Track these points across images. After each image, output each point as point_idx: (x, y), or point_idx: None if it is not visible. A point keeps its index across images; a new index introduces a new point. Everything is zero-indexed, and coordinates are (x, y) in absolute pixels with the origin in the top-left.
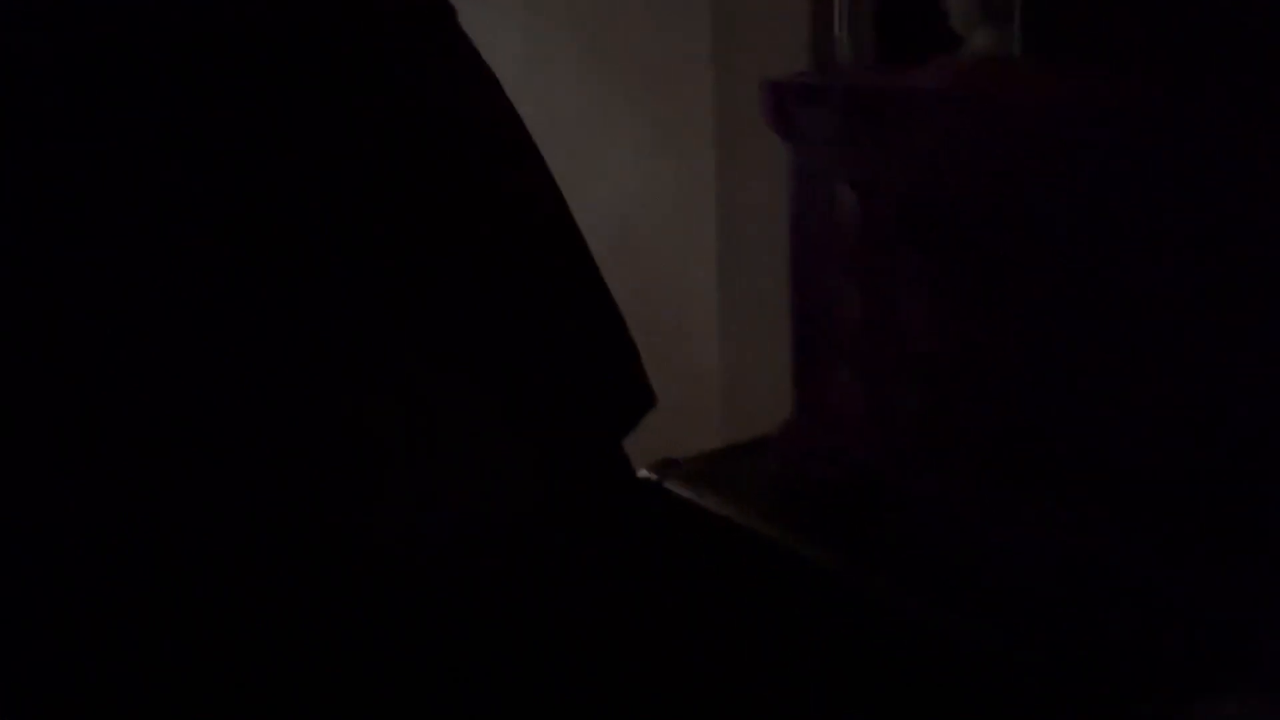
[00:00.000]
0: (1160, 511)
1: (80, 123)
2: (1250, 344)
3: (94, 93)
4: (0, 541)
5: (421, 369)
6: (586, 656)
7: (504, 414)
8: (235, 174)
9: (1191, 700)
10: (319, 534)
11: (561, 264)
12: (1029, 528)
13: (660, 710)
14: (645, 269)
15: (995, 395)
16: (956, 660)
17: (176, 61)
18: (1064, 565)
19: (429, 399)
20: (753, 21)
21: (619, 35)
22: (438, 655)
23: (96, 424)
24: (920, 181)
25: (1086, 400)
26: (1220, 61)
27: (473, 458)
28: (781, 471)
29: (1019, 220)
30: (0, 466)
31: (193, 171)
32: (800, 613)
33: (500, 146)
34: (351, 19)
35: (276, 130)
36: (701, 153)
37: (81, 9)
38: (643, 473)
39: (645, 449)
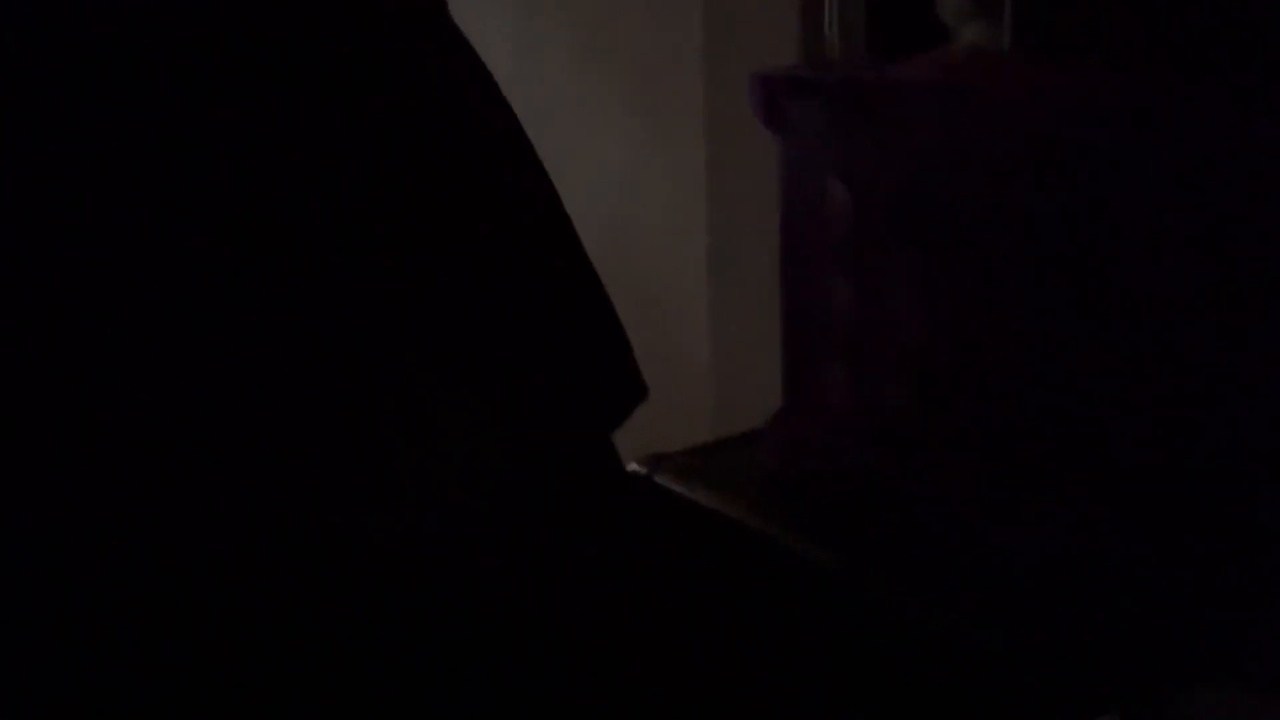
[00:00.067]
0: (1154, 506)
1: (80, 123)
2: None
3: (93, 92)
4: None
5: (420, 367)
6: (577, 651)
7: (498, 410)
8: (233, 173)
9: (1181, 692)
10: (318, 533)
11: (557, 262)
12: (1020, 523)
13: (651, 704)
14: (635, 263)
15: (987, 389)
16: (947, 655)
17: (174, 61)
18: (1057, 561)
19: (427, 397)
20: (743, 15)
21: (610, 27)
22: (434, 653)
23: (96, 424)
24: (911, 174)
25: (1078, 393)
26: (1211, 54)
27: (470, 455)
28: (772, 466)
29: (1011, 213)
30: (0, 466)
31: (190, 171)
32: (792, 607)
33: (497, 145)
34: (350, 18)
35: (275, 130)
36: (692, 146)
37: (81, 9)
38: (633, 467)
39: (635, 443)
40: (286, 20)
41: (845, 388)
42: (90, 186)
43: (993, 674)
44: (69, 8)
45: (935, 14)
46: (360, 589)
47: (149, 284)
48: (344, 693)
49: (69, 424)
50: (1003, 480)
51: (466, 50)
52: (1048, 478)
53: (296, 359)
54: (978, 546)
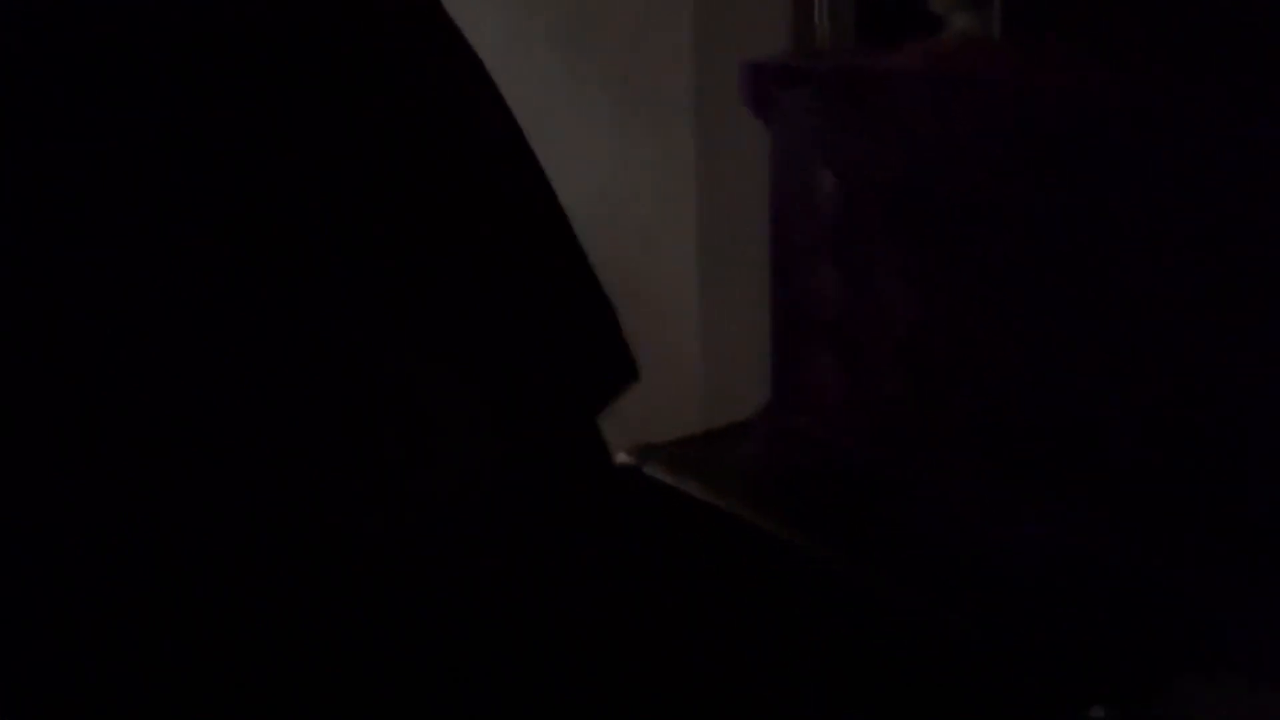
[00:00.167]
0: (1147, 501)
1: (79, 123)
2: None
3: (93, 92)
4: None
5: (420, 367)
6: (568, 644)
7: (497, 410)
8: (233, 173)
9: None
10: (318, 533)
11: (556, 261)
12: (1010, 514)
13: (643, 695)
14: (625, 253)
15: (976, 381)
16: (937, 646)
17: (173, 61)
18: (1048, 553)
19: (427, 397)
20: (734, 4)
21: (599, 15)
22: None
23: (97, 424)
24: (902, 163)
25: (1067, 385)
26: (1198, 42)
27: (469, 455)
28: (761, 456)
29: (1003, 204)
30: (0, 466)
31: (191, 171)
32: (781, 598)
33: (497, 144)
34: (349, 18)
35: (275, 130)
36: (682, 136)
37: (81, 9)
38: (621, 458)
39: (624, 434)
40: (286, 20)
41: (836, 380)
42: (91, 187)
43: (982, 664)
44: (69, 8)
45: (925, 3)
46: (360, 588)
47: (149, 284)
48: (344, 692)
49: (69, 424)
50: (995, 474)
51: (465, 49)
52: (1040, 471)
53: (296, 359)
54: (969, 538)
